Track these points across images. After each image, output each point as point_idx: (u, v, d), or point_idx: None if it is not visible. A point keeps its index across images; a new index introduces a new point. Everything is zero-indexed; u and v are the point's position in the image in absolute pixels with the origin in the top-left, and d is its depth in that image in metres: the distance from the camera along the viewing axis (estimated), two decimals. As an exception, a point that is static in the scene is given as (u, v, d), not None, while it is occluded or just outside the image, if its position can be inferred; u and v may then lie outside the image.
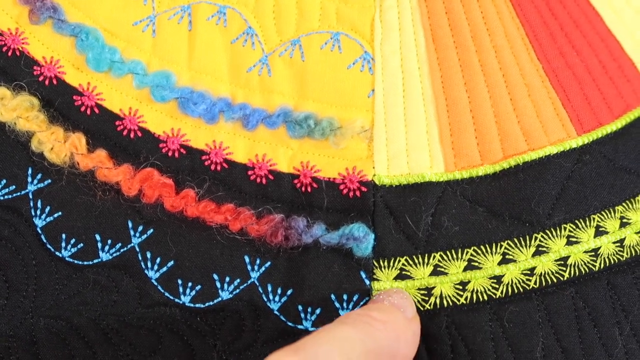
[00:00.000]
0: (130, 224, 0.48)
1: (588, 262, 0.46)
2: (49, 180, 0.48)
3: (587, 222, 0.46)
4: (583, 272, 0.46)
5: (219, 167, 0.48)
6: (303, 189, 0.47)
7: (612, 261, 0.46)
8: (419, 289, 0.46)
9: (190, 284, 0.47)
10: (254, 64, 0.49)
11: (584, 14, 0.50)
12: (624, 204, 0.47)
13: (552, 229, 0.46)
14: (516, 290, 0.46)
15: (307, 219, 0.47)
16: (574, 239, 0.46)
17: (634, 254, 0.46)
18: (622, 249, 0.46)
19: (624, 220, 0.47)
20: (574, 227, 0.46)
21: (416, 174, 0.47)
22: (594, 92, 0.48)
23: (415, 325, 0.44)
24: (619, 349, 0.45)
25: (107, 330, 0.47)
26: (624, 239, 0.46)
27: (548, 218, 0.46)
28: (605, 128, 0.48)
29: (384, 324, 0.41)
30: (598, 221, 0.46)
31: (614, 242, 0.46)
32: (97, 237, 0.47)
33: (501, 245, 0.46)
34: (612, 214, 0.47)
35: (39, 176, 0.48)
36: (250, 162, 0.48)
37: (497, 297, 0.46)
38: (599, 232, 0.46)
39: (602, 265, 0.46)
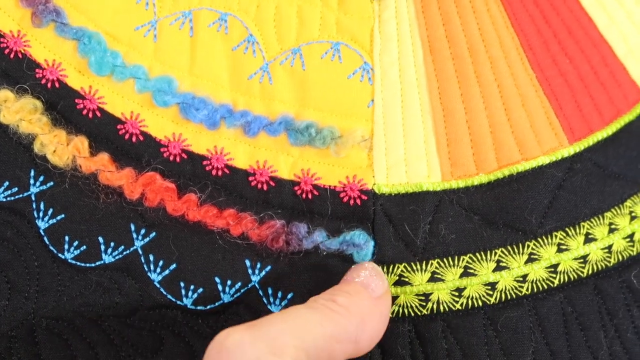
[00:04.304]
0: (133, 227, 0.48)
1: (577, 269, 0.48)
2: (52, 183, 0.49)
3: (577, 230, 0.48)
4: (572, 278, 0.48)
5: (220, 173, 0.49)
6: (304, 195, 0.48)
7: (600, 267, 0.48)
8: (417, 294, 0.48)
9: (192, 287, 0.48)
10: (255, 72, 0.50)
11: (577, 20, 0.50)
12: (612, 210, 0.48)
13: (543, 237, 0.48)
14: (509, 297, 0.47)
15: (308, 225, 0.48)
16: (564, 247, 0.48)
17: (620, 259, 0.48)
18: (609, 255, 0.48)
19: (612, 227, 0.48)
20: (565, 234, 0.48)
21: (414, 183, 0.48)
22: (586, 99, 0.49)
23: (383, 305, 0.44)
24: (604, 351, 0.47)
25: (109, 331, 0.48)
26: (612, 245, 0.48)
27: (540, 226, 0.48)
28: (596, 135, 0.49)
29: (346, 308, 0.42)
30: (588, 228, 0.48)
31: (602, 249, 0.48)
32: (100, 239, 0.48)
33: (495, 253, 0.48)
34: (601, 220, 0.48)
35: (41, 178, 0.49)
36: (251, 168, 0.49)
37: (491, 303, 0.47)
38: (588, 239, 0.48)
39: (590, 272, 0.48)
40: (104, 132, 0.49)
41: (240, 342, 0.38)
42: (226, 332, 0.39)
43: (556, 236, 0.48)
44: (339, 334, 0.41)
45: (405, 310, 0.48)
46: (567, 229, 0.48)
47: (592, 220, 0.48)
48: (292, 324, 0.39)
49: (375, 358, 0.47)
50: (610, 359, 0.47)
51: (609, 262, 0.48)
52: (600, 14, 0.50)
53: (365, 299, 0.43)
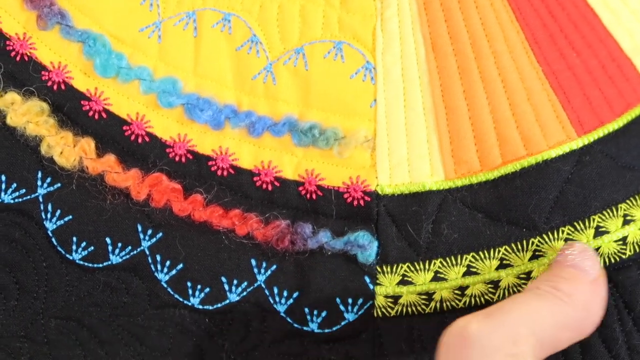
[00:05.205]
0: (139, 228, 0.49)
1: (587, 262, 0.47)
2: (59, 184, 0.49)
3: (586, 224, 0.47)
4: (581, 272, 0.47)
5: (225, 173, 0.49)
6: (308, 196, 0.49)
7: (614, 259, 0.47)
8: (419, 293, 0.48)
9: (199, 286, 0.48)
10: (258, 72, 0.50)
11: (582, 16, 0.50)
12: (627, 201, 0.47)
13: (549, 233, 0.47)
14: (512, 294, 0.47)
15: (312, 225, 0.48)
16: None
17: (638, 250, 0.47)
18: (625, 247, 0.47)
19: (628, 218, 0.47)
20: (573, 229, 0.47)
21: (417, 183, 0.48)
22: (595, 92, 0.49)
23: (600, 287, 0.43)
24: (619, 345, 0.47)
25: (118, 330, 0.49)
26: (627, 236, 0.47)
27: (546, 222, 0.47)
28: (607, 127, 0.48)
29: (571, 297, 0.42)
30: (598, 221, 0.47)
31: (615, 241, 0.47)
32: (108, 240, 0.49)
33: (499, 251, 0.48)
34: (615, 212, 0.47)
35: (48, 180, 0.49)
36: (256, 168, 0.49)
37: (495, 300, 0.47)
38: (599, 232, 0.47)
39: (601, 265, 0.47)
40: (110, 133, 0.49)
41: (480, 331, 0.40)
42: (464, 320, 0.40)
43: (563, 231, 0.47)
44: (568, 323, 0.41)
45: (409, 309, 0.48)
46: (575, 224, 0.47)
47: (604, 212, 0.47)
48: (525, 313, 0.41)
49: (376, 355, 0.48)
50: (629, 353, 0.47)
51: (624, 254, 0.47)
52: (605, 11, 0.50)
53: (584, 284, 0.43)
